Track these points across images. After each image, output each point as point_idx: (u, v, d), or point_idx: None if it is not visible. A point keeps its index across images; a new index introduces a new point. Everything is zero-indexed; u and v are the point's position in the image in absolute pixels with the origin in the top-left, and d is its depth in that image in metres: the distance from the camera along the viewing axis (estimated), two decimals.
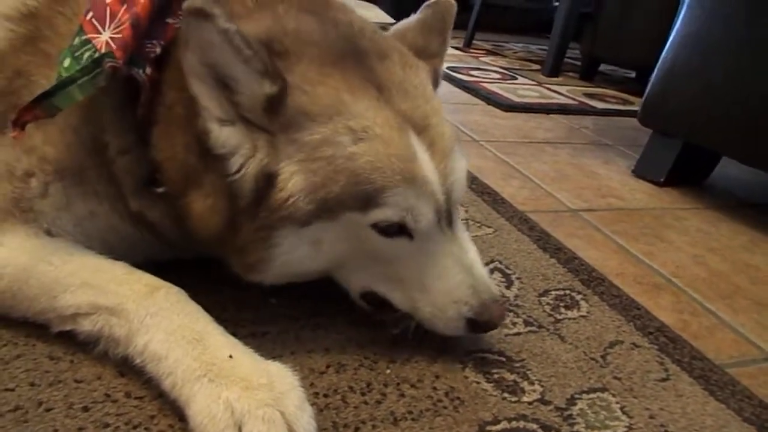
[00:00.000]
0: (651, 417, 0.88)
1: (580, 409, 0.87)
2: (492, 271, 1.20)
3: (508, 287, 1.16)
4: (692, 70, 1.80)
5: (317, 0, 0.90)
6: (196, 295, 0.83)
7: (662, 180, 1.92)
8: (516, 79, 3.28)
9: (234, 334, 0.80)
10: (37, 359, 0.80)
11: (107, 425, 0.72)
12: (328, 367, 0.87)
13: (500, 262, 1.25)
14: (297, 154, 0.78)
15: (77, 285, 0.80)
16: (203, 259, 0.93)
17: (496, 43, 4.49)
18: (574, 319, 1.09)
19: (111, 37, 0.78)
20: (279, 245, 0.81)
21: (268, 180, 0.78)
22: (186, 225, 0.85)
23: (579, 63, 3.75)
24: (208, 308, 0.82)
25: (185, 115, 0.80)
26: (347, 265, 0.89)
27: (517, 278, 1.20)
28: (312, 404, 0.74)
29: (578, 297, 1.17)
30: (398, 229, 0.83)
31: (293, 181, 0.78)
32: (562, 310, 1.12)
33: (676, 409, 0.91)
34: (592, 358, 0.99)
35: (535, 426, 0.83)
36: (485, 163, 1.90)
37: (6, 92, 0.86)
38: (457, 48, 3.94)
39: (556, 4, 3.71)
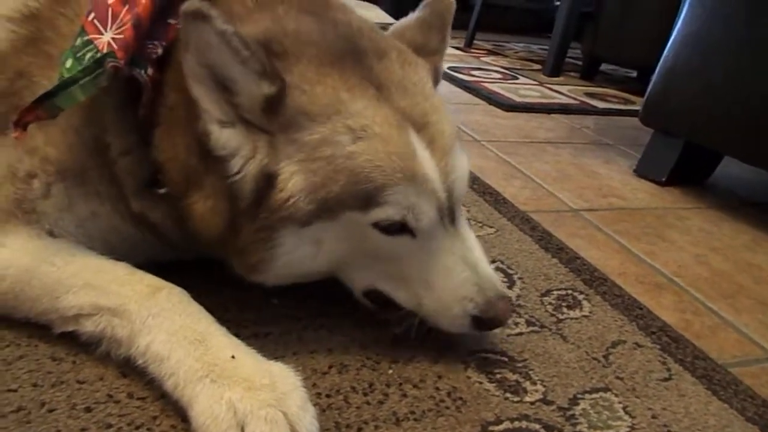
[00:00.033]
0: (654, 417, 0.88)
1: (583, 409, 0.87)
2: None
3: (510, 287, 1.16)
4: (693, 70, 1.80)
5: (317, 0, 0.91)
6: (198, 296, 0.83)
7: (664, 179, 1.92)
8: (517, 78, 3.28)
9: (236, 335, 0.80)
10: (40, 360, 0.80)
11: (110, 426, 0.72)
12: (330, 367, 0.87)
13: (502, 262, 1.25)
14: (297, 154, 0.78)
15: (79, 286, 0.80)
16: (205, 259, 0.93)
17: (497, 43, 4.48)
18: (576, 318, 1.09)
19: (113, 38, 0.78)
20: (280, 246, 0.81)
21: (268, 180, 0.78)
22: (187, 226, 0.85)
23: (580, 63, 3.74)
24: (211, 309, 0.82)
25: (186, 117, 0.80)
26: (350, 264, 0.89)
27: (519, 278, 1.20)
28: (314, 405, 0.74)
29: (580, 297, 1.17)
30: (400, 228, 0.83)
31: (293, 181, 0.78)
32: (564, 310, 1.12)
33: (678, 408, 0.90)
34: (595, 358, 0.99)
35: (537, 426, 0.82)
36: (487, 163, 1.90)
37: (8, 93, 0.86)
38: (458, 48, 3.94)
39: (557, 3, 3.71)
